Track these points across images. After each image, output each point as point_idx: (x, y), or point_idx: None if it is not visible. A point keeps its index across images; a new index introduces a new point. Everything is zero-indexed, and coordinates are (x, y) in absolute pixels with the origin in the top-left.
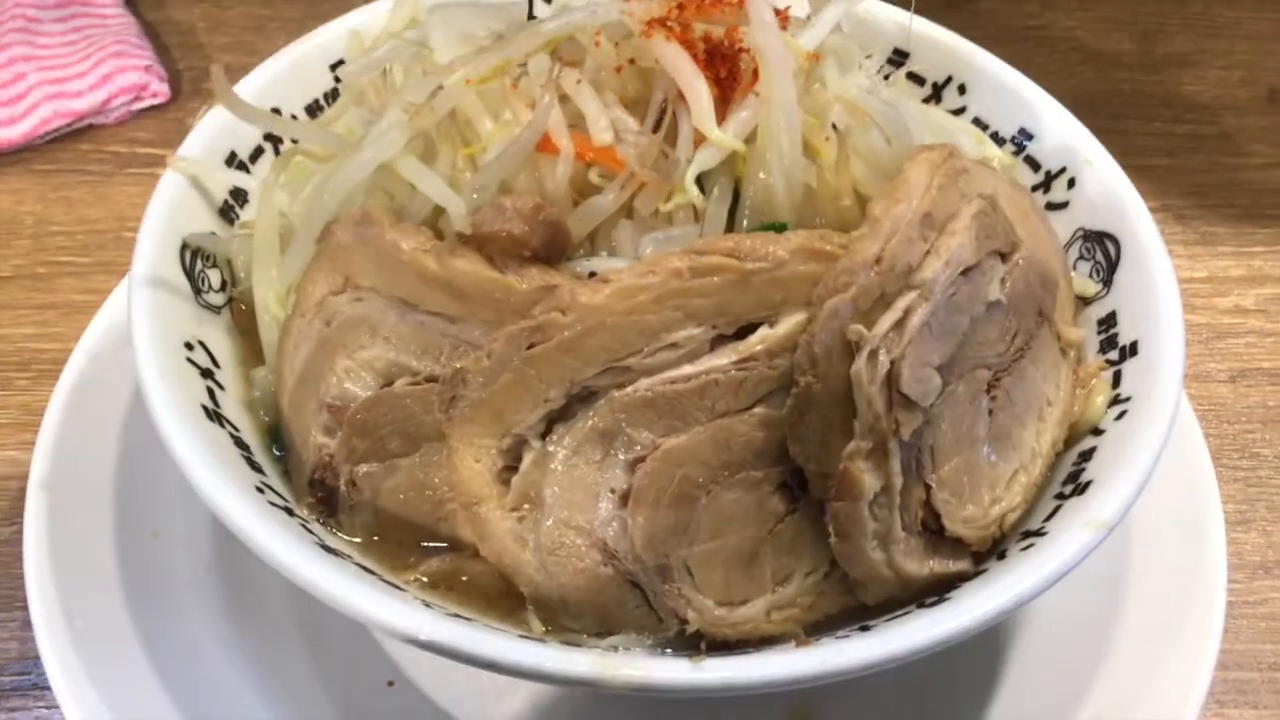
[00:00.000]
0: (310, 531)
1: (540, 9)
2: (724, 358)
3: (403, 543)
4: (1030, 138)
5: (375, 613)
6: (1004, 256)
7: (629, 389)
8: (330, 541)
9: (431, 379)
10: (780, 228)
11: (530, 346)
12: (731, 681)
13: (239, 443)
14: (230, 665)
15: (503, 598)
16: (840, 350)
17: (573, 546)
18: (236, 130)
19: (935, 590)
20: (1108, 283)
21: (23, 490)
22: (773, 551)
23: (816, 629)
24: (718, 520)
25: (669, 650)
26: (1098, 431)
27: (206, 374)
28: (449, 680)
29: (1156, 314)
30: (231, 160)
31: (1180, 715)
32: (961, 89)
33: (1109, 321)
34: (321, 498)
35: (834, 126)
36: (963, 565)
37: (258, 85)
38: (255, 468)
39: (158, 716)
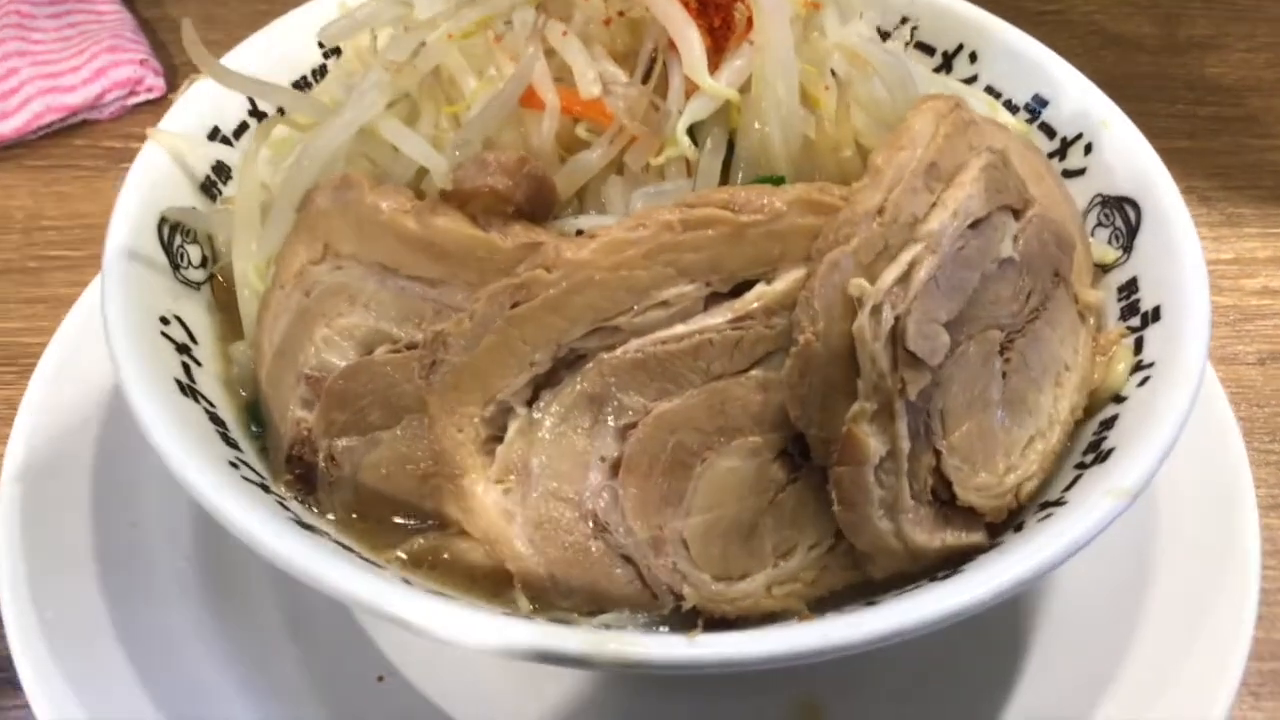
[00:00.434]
0: (286, 509)
1: None
2: (718, 316)
3: (384, 521)
4: (1045, 104)
5: (348, 587)
6: (1016, 214)
7: (618, 350)
8: (308, 519)
9: (413, 346)
10: (777, 181)
11: (514, 306)
12: (728, 657)
13: (214, 419)
14: (212, 660)
15: (488, 576)
16: (842, 306)
17: (561, 519)
18: (221, 104)
19: (947, 564)
20: (1128, 248)
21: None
22: (773, 523)
23: (820, 605)
24: (714, 490)
25: (664, 629)
26: (1119, 399)
27: (182, 349)
28: (441, 675)
29: (1179, 277)
30: (215, 135)
31: (1211, 703)
32: (973, 57)
33: (1130, 288)
34: (299, 474)
35: (833, 73)
36: (976, 538)
37: (242, 60)
38: (231, 444)
39: (134, 714)
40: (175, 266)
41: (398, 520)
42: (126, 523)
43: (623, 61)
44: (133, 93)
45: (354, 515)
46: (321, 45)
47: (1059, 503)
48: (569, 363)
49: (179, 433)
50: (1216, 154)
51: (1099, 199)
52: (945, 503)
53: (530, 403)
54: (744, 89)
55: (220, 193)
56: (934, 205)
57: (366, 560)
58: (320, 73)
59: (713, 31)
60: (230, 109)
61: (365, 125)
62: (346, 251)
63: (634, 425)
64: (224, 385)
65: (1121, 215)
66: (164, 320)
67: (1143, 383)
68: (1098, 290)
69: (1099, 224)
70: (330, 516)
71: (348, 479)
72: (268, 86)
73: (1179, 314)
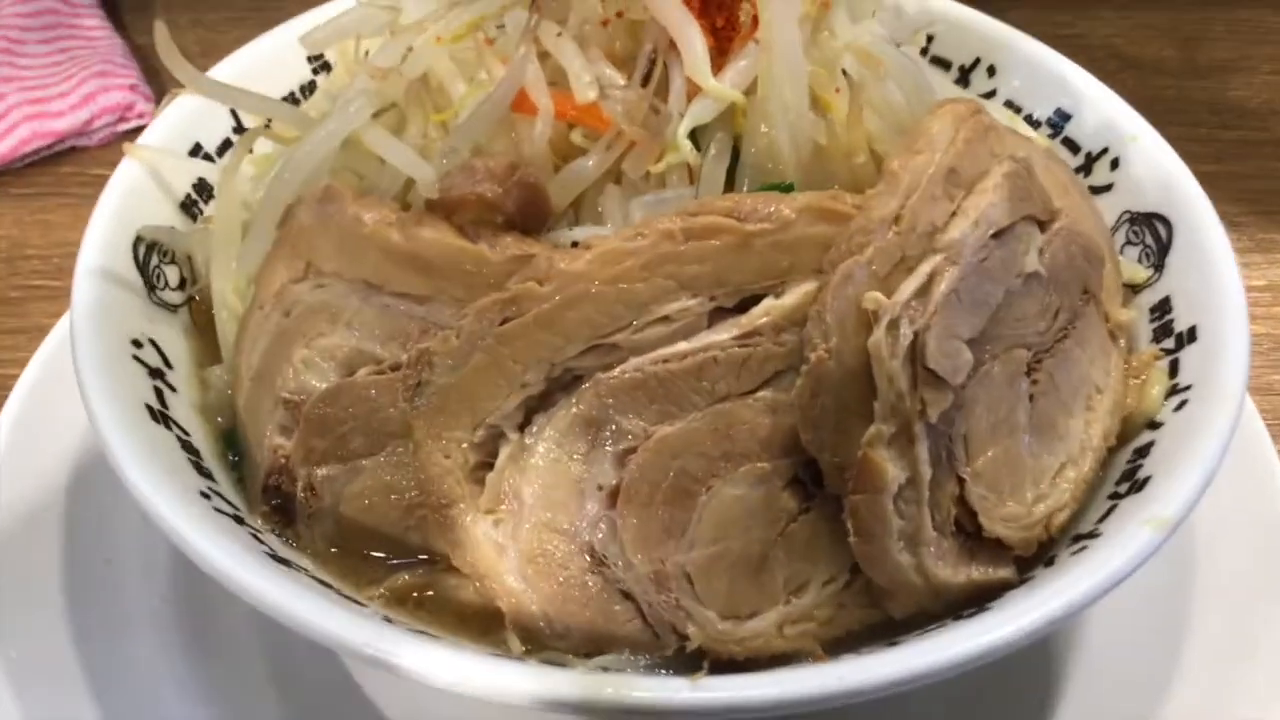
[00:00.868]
0: (261, 542)
1: None
2: (724, 333)
3: (367, 555)
4: (1068, 118)
5: (323, 626)
6: (1042, 225)
7: (616, 370)
8: (284, 553)
9: (397, 367)
10: (786, 189)
11: (504, 322)
12: (736, 702)
13: (187, 447)
14: (186, 709)
15: (478, 614)
16: (856, 321)
17: (555, 552)
18: (204, 119)
19: (973, 602)
20: (1159, 266)
21: None
22: (784, 556)
23: (836, 647)
24: (720, 520)
25: (667, 671)
26: (1155, 425)
27: (155, 374)
28: None
29: (1216, 295)
30: (197, 151)
31: None
32: (991, 70)
33: (1162, 308)
34: (276, 505)
35: (845, 74)
36: (1004, 573)
37: (227, 74)
38: (204, 474)
39: None
40: (151, 288)
41: (381, 554)
42: (100, 559)
43: (621, 65)
44: (122, 119)
45: (334, 549)
46: (310, 61)
47: (1093, 534)
48: (563, 383)
49: (146, 460)
50: (1245, 178)
51: (1127, 216)
52: (970, 535)
53: (522, 426)
54: (749, 91)
55: (201, 212)
56: (954, 214)
57: (345, 597)
58: (309, 89)
59: (716, 31)
60: (214, 124)
61: (350, 135)
62: (329, 269)
63: (633, 450)
64: (199, 412)
65: (1152, 232)
66: (136, 343)
67: (1179, 407)
68: (1129, 310)
69: (1128, 242)
70: (311, 552)
71: (328, 510)
72: (248, 96)
73: (1217, 334)
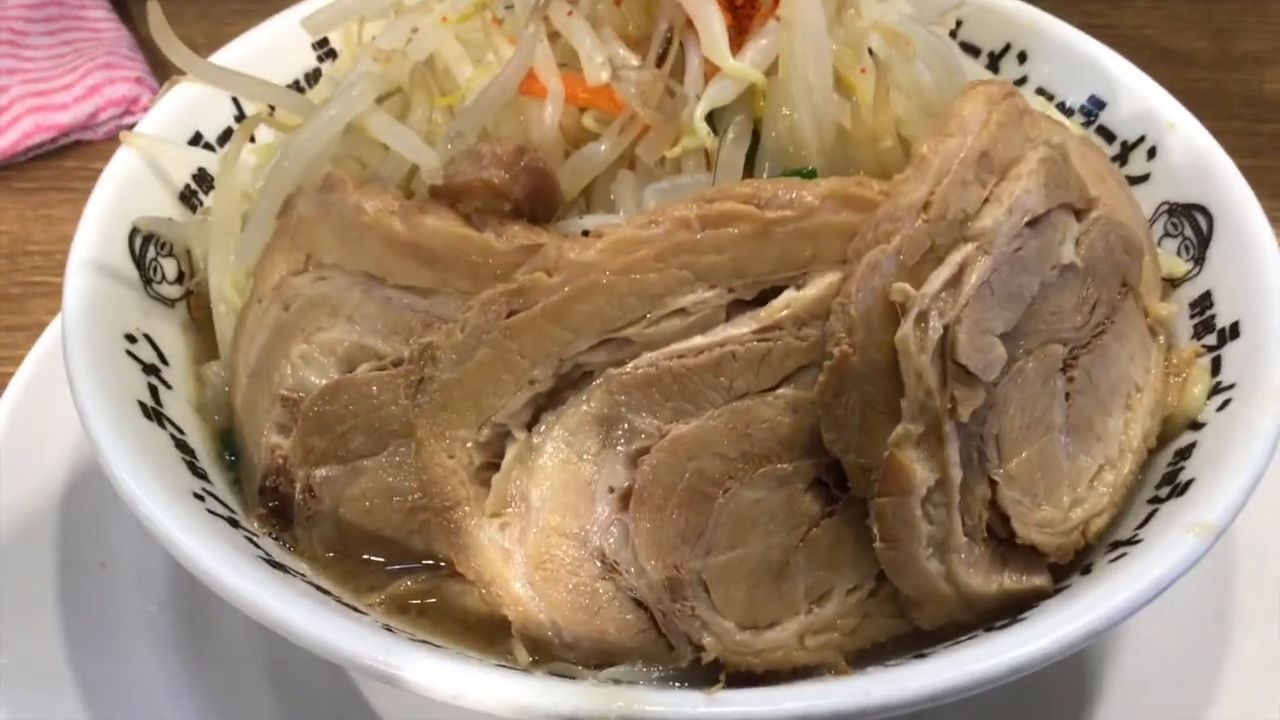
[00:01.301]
0: (257, 546)
1: None
2: (742, 326)
3: (367, 560)
4: (1102, 105)
5: (319, 634)
6: (1079, 214)
7: (629, 365)
8: (280, 558)
9: (399, 363)
10: (809, 174)
11: (510, 315)
12: (754, 717)
13: (181, 446)
14: (182, 717)
15: (483, 623)
16: (882, 313)
17: (565, 558)
18: (204, 107)
19: (1006, 612)
20: (1199, 260)
21: None
22: (806, 563)
23: (861, 659)
24: (738, 524)
25: (682, 684)
26: (1196, 426)
27: (150, 370)
28: None
29: (1259, 289)
30: (197, 140)
31: None
32: (1022, 57)
33: (1203, 302)
34: (274, 508)
35: (871, 54)
36: (1039, 581)
37: (229, 60)
38: (199, 474)
39: None
40: (147, 281)
41: (382, 559)
42: (95, 563)
43: (635, 45)
44: (128, 112)
45: (333, 554)
46: (316, 47)
47: (1133, 541)
48: (573, 380)
49: (136, 459)
50: None
51: (1166, 207)
52: (1003, 541)
53: (529, 425)
54: (770, 71)
55: (201, 202)
56: (986, 200)
57: (344, 604)
58: (314, 77)
59: (734, 8)
60: (215, 112)
61: (353, 121)
62: (330, 260)
63: (647, 451)
64: (196, 410)
65: (1191, 224)
66: (130, 338)
67: (1223, 406)
68: (1169, 304)
69: (1166, 234)
70: (309, 556)
71: (327, 513)
72: (248, 81)
73: (1261, 330)
